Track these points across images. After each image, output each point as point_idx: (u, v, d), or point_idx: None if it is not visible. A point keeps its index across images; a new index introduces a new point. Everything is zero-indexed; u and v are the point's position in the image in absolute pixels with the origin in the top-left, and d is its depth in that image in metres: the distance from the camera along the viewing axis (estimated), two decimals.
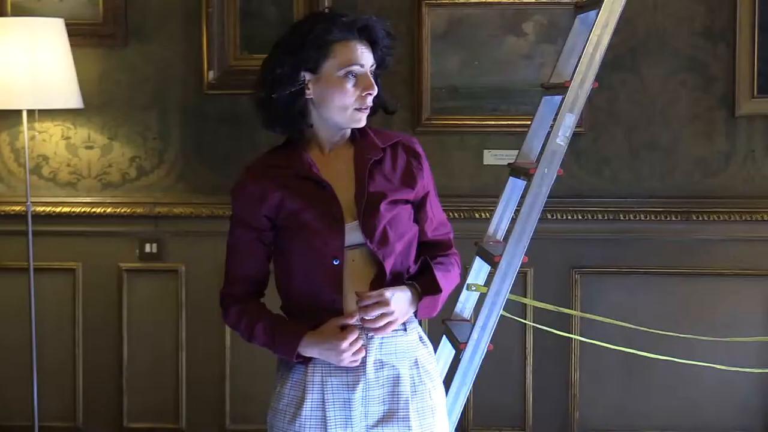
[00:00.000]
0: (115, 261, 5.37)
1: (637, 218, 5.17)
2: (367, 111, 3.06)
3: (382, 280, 2.95)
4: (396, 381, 3.00)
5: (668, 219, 5.15)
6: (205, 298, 5.32)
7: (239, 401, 5.38)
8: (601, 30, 3.75)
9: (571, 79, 3.77)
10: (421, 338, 3.11)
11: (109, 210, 5.33)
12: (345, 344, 2.92)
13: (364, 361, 2.97)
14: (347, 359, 2.93)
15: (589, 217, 5.21)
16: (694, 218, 5.15)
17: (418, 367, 3.04)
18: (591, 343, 4.71)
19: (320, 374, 3.00)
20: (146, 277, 5.38)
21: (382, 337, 2.98)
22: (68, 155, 5.35)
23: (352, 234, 2.95)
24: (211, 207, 5.28)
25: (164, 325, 5.38)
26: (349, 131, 3.11)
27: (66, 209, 5.34)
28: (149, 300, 5.39)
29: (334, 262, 2.93)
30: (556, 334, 4.56)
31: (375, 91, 3.04)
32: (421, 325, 3.16)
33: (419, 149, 3.17)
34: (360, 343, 2.94)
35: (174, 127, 5.33)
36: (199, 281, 5.33)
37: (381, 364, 2.99)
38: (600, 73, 3.83)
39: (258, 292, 3.15)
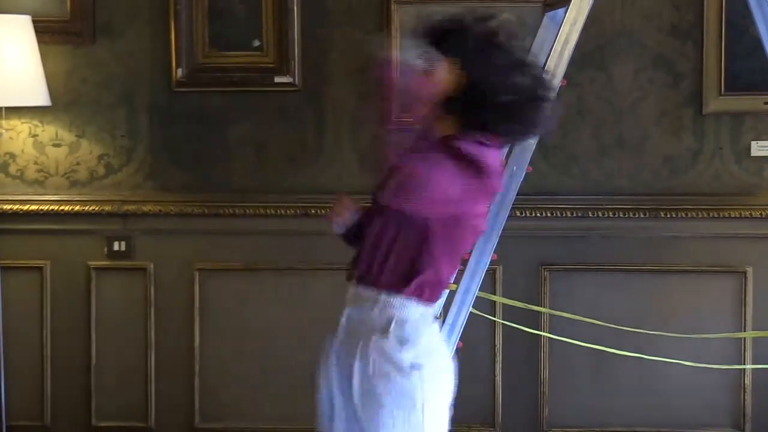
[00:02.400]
0: (84, 259, 5.34)
1: (606, 215, 5.18)
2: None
3: None
4: (351, 357, 3.10)
5: (636, 216, 5.17)
6: (173, 296, 5.31)
7: (209, 400, 5.37)
8: (569, 27, 3.75)
9: None
10: (397, 333, 3.08)
11: (77, 208, 5.31)
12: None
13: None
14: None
15: (558, 215, 5.22)
16: (663, 215, 5.17)
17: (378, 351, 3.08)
18: (560, 341, 4.72)
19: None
20: (115, 275, 5.35)
21: (350, 309, 3.13)
22: (36, 153, 5.32)
23: None
24: (181, 205, 5.27)
25: (133, 323, 5.36)
26: None
27: (34, 207, 5.31)
28: (118, 298, 5.36)
29: None
30: (525, 331, 4.57)
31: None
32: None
33: None
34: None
35: (142, 125, 5.31)
36: (168, 279, 5.32)
37: (346, 334, 3.15)
38: (568, 70, 3.84)
39: None
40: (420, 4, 5.18)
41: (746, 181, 5.21)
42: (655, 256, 5.21)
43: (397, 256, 3.06)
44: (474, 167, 2.96)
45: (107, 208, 5.30)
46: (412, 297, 3.05)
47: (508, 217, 3.79)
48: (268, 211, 5.26)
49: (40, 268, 5.35)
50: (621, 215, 5.18)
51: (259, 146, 5.29)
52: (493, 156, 3.04)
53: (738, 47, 5.11)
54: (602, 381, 5.28)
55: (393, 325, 3.05)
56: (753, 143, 5.18)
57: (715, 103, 5.15)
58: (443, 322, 3.77)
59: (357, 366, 3.08)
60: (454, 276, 3.33)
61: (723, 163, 5.19)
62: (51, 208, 5.30)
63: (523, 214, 5.12)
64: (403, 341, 3.05)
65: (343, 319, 3.18)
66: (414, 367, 3.02)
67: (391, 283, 3.06)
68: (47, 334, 5.38)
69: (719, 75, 5.13)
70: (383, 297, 3.07)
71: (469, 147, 2.98)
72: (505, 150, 3.59)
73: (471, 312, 3.80)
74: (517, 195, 3.79)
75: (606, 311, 5.01)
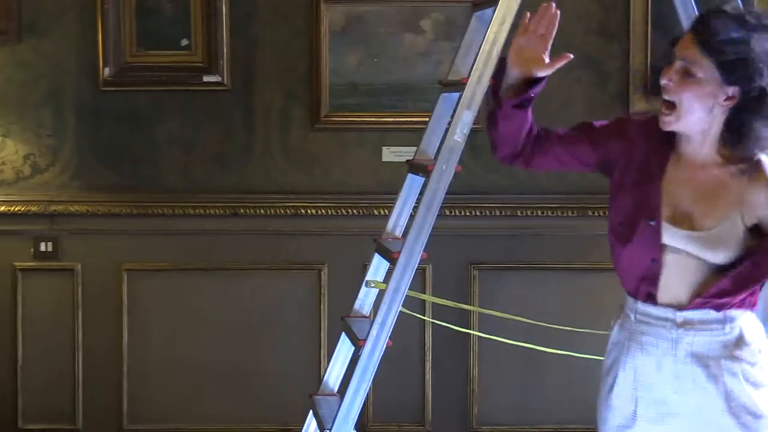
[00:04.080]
0: (10, 260, 5.28)
1: (535, 214, 5.22)
2: (666, 114, 2.91)
3: None
4: (710, 382, 2.97)
5: (565, 215, 5.21)
6: (101, 297, 5.27)
7: (137, 401, 5.34)
8: (497, 27, 3.76)
9: (469, 76, 3.79)
10: (748, 344, 2.99)
11: (2, 208, 5.25)
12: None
13: (674, 353, 2.99)
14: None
15: (487, 214, 5.24)
16: (590, 214, 5.21)
17: (735, 376, 2.97)
18: (490, 339, 4.74)
19: (634, 352, 3.07)
20: (42, 276, 5.30)
21: (695, 335, 2.98)
22: None
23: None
24: (108, 205, 5.23)
25: (60, 324, 5.31)
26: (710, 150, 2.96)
27: None
28: (45, 299, 5.31)
29: None
30: (454, 330, 4.58)
31: (663, 80, 2.89)
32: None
33: None
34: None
35: (69, 125, 5.27)
36: (96, 280, 5.28)
37: (691, 359, 2.98)
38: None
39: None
40: (349, 4, 5.18)
41: None
42: (584, 254, 5.25)
43: None
44: None
45: (33, 208, 5.25)
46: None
47: (437, 216, 3.79)
48: (196, 210, 5.24)
49: None
50: (549, 214, 5.22)
51: (188, 146, 5.27)
52: None
53: (663, 47, 5.16)
54: (532, 379, 5.31)
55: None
56: None
57: (641, 102, 5.20)
58: (372, 321, 3.77)
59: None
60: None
61: None
62: None
63: (453, 213, 5.14)
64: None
65: None
66: None
67: None
68: None
69: (645, 75, 5.18)
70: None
71: None
72: None
73: (401, 311, 3.80)
74: (446, 194, 3.79)
75: (535, 309, 5.04)
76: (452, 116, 3.84)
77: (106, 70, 5.20)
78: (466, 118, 3.75)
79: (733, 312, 2.98)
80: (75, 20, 5.22)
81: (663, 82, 2.88)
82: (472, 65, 3.80)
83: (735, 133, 2.87)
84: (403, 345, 4.96)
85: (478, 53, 3.80)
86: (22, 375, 5.33)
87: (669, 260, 2.97)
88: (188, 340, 5.32)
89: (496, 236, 5.27)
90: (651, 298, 3.01)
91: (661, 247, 2.97)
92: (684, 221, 2.95)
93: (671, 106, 2.89)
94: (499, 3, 3.76)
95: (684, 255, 2.95)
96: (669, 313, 2.99)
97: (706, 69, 2.82)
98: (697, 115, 2.88)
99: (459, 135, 3.76)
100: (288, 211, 5.25)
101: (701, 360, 2.96)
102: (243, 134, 5.26)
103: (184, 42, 5.20)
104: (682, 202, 2.97)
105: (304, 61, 5.21)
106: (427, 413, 5.34)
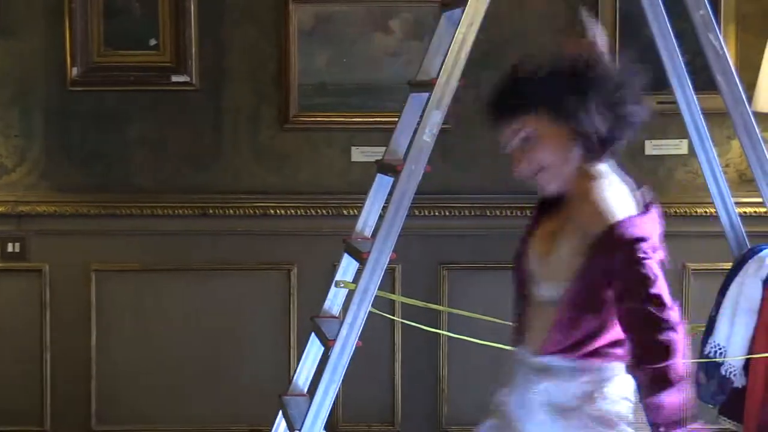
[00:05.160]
0: None
1: (504, 214, 5.23)
2: (539, 182, 2.94)
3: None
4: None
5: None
6: (69, 298, 5.25)
7: (105, 402, 5.32)
8: (466, 28, 3.77)
9: (438, 76, 3.80)
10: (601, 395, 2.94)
11: None
12: None
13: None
14: None
15: (457, 213, 5.25)
16: None
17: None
18: (459, 339, 4.75)
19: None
20: (9, 277, 5.28)
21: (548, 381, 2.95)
22: None
23: None
24: (76, 205, 5.22)
25: (28, 325, 5.29)
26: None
27: None
28: (12, 300, 5.29)
29: None
30: (424, 329, 4.59)
31: (525, 169, 2.93)
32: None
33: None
34: None
35: (37, 125, 5.24)
36: (64, 281, 5.26)
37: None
38: (467, 70, 3.86)
39: None
40: (318, 4, 5.18)
41: (640, 179, 5.28)
42: None
43: None
44: None
45: (1, 209, 5.22)
46: None
47: (406, 216, 3.80)
48: (165, 210, 5.23)
49: None
50: (519, 214, 5.22)
51: (157, 146, 5.25)
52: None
53: (632, 48, 5.17)
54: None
55: None
56: (647, 142, 5.27)
57: None
58: (342, 321, 3.77)
59: None
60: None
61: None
62: None
63: (422, 213, 5.15)
64: None
65: None
66: None
67: None
68: None
69: None
70: None
71: None
72: None
73: (370, 311, 3.81)
74: (415, 194, 3.80)
75: (505, 309, 5.04)
76: (421, 116, 3.85)
77: (74, 70, 5.19)
78: (435, 118, 3.76)
79: (591, 362, 2.93)
80: (42, 20, 5.20)
81: (521, 169, 2.92)
82: (441, 66, 3.81)
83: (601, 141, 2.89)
84: (372, 345, 4.96)
85: (447, 54, 3.81)
86: None
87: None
88: (157, 340, 5.30)
89: (465, 236, 5.28)
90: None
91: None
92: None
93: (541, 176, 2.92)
94: (468, 3, 3.77)
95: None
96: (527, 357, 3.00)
97: (540, 126, 2.87)
98: (564, 166, 2.91)
99: (428, 135, 3.77)
100: (257, 212, 5.25)
101: (557, 409, 2.94)
102: (212, 134, 5.25)
103: (153, 42, 5.19)
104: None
105: (273, 61, 5.21)
106: (397, 413, 5.35)
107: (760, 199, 3.96)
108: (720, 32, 3.93)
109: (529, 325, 3.04)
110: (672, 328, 2.75)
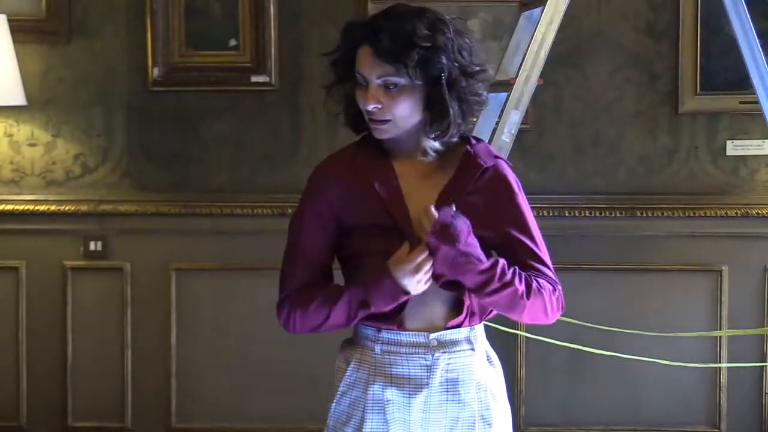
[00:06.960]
0: (60, 259, 5.32)
1: (582, 215, 5.19)
2: (380, 124, 2.84)
3: None
4: (461, 406, 2.90)
5: (612, 215, 5.18)
6: (150, 296, 5.30)
7: (185, 399, 5.36)
8: (545, 27, 3.77)
9: (516, 76, 3.79)
10: (489, 358, 3.04)
11: (53, 208, 5.29)
12: (420, 256, 2.75)
13: (428, 381, 2.87)
14: (418, 275, 2.75)
15: (535, 214, 5.22)
16: (639, 214, 5.19)
17: (485, 391, 2.96)
18: (537, 340, 4.73)
19: (381, 387, 2.92)
20: (91, 275, 5.33)
21: (450, 357, 2.90)
22: (11, 153, 5.30)
23: None
24: (157, 204, 5.26)
25: (109, 323, 5.34)
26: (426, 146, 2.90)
27: (9, 207, 5.28)
28: (94, 298, 5.35)
29: None
30: (502, 330, 4.57)
31: (370, 106, 2.80)
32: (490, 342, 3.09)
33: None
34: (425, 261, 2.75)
35: (119, 124, 5.30)
36: (145, 279, 5.31)
37: (446, 386, 2.89)
38: (545, 70, 3.85)
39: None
40: (389, 3, 5.17)
41: (722, 180, 5.23)
42: (631, 255, 5.23)
43: None
44: None
45: (83, 207, 5.28)
46: None
47: None
48: (244, 210, 5.26)
49: (15, 269, 5.33)
50: (597, 214, 5.19)
51: (236, 146, 5.29)
52: None
53: (713, 46, 5.13)
54: (579, 380, 5.29)
55: None
56: (728, 142, 5.21)
57: (691, 102, 5.17)
58: None
59: None
60: None
61: (699, 162, 5.21)
62: (27, 207, 5.28)
63: None
64: None
65: None
66: None
67: None
68: (23, 335, 5.35)
69: (695, 74, 5.15)
70: None
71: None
72: None
73: None
74: None
75: (583, 310, 5.02)
76: (500, 116, 3.84)
77: (155, 71, 5.23)
78: (513, 118, 3.76)
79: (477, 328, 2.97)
80: (124, 20, 5.25)
81: (370, 108, 2.80)
82: (520, 65, 3.81)
83: (437, 117, 2.82)
84: None
85: (525, 53, 3.80)
86: (71, 373, 5.36)
87: None
88: (236, 338, 5.33)
89: (543, 237, 5.24)
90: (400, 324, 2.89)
91: None
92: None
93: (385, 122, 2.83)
94: (548, 3, 3.76)
95: None
96: (421, 338, 2.89)
97: (401, 77, 2.77)
98: (411, 119, 2.83)
99: (507, 135, 3.77)
100: None
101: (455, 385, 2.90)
102: (291, 134, 5.27)
103: (233, 42, 5.22)
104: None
105: None
106: None
107: None
108: None
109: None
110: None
